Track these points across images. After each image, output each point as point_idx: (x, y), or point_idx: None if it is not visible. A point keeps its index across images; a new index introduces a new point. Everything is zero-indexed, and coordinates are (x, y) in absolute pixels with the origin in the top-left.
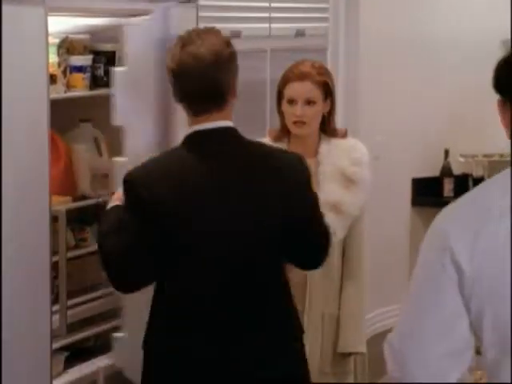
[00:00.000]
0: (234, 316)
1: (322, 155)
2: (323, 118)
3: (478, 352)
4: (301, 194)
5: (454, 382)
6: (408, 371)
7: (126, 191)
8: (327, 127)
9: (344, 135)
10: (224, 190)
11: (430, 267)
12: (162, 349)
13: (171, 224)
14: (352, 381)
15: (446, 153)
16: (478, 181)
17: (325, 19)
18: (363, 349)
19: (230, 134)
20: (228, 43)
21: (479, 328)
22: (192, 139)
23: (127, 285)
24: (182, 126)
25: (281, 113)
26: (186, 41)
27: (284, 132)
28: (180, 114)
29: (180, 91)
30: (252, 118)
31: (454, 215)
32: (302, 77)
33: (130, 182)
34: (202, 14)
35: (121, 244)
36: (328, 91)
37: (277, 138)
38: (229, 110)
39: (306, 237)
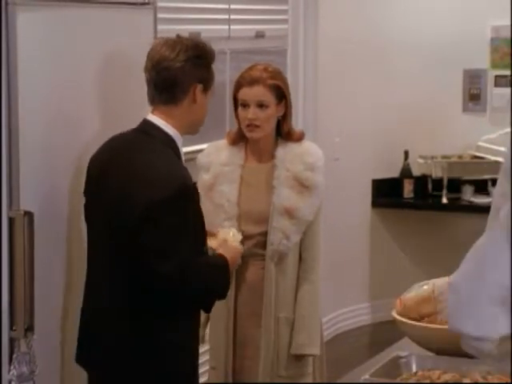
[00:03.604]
0: None
1: (278, 159)
2: (278, 121)
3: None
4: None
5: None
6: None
7: None
8: (282, 130)
9: (300, 138)
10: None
11: None
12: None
13: None
14: (310, 382)
15: (406, 154)
16: (437, 182)
17: (284, 21)
18: (316, 351)
19: (143, 130)
20: (195, 50)
21: None
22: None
23: None
24: None
25: (237, 117)
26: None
27: (241, 136)
28: None
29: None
30: (211, 120)
31: None
32: (253, 81)
33: None
34: (160, 15)
35: None
36: (281, 94)
37: (234, 142)
38: (171, 110)
39: None
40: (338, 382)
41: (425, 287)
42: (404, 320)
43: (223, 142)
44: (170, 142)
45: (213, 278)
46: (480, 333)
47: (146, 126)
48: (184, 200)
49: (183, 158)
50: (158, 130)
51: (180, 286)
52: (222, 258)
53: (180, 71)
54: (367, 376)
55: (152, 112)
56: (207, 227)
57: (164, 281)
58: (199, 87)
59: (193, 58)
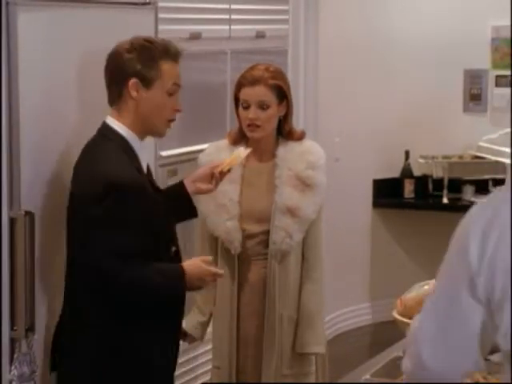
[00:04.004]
0: None
1: (279, 158)
2: (279, 121)
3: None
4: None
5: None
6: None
7: None
8: (283, 130)
9: (301, 137)
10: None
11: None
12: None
13: None
14: (313, 381)
15: (407, 154)
16: (437, 182)
17: (285, 21)
18: (320, 349)
19: (99, 132)
20: (132, 43)
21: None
22: None
23: None
24: None
25: (238, 116)
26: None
27: (242, 135)
28: None
29: None
30: (212, 120)
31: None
32: (254, 81)
33: None
34: (161, 15)
35: None
36: (282, 94)
37: (235, 142)
38: (118, 108)
39: None
40: (339, 381)
41: (425, 287)
42: (405, 320)
43: (224, 142)
44: (123, 144)
45: (144, 279)
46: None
47: (103, 128)
48: (111, 197)
49: (142, 159)
50: (111, 131)
51: (98, 278)
52: (177, 267)
53: (117, 66)
54: (368, 376)
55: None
56: (209, 226)
57: (81, 270)
58: (134, 81)
59: (132, 52)
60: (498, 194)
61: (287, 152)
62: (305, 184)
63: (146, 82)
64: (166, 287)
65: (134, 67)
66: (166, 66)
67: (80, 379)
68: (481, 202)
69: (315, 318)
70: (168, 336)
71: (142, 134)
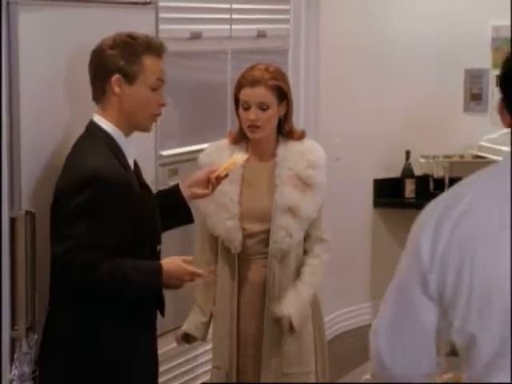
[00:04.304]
0: None
1: (279, 158)
2: (280, 120)
3: (453, 353)
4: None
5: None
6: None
7: None
8: (284, 129)
9: (301, 136)
10: None
11: (404, 267)
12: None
13: None
14: (313, 380)
15: (407, 154)
16: (438, 181)
17: (286, 20)
18: (289, 312)
19: (87, 129)
20: (115, 40)
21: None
22: None
23: None
24: None
25: (238, 116)
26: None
27: (242, 135)
28: None
29: None
30: (213, 120)
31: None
32: (255, 82)
33: None
34: (161, 15)
35: None
36: (283, 94)
37: (235, 141)
38: (103, 105)
39: None
40: (339, 382)
41: None
42: None
43: (224, 142)
44: (109, 141)
45: (120, 273)
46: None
47: (90, 125)
48: (92, 188)
49: (128, 156)
50: (97, 129)
51: (70, 271)
52: (155, 264)
53: (99, 63)
54: (368, 376)
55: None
56: (210, 226)
57: (56, 262)
58: (116, 77)
59: (114, 48)
60: (450, 191)
61: (287, 151)
62: (305, 184)
63: (129, 78)
64: (143, 283)
65: (116, 63)
66: (148, 61)
67: (55, 379)
68: (436, 199)
69: (301, 286)
70: (144, 335)
71: (127, 130)
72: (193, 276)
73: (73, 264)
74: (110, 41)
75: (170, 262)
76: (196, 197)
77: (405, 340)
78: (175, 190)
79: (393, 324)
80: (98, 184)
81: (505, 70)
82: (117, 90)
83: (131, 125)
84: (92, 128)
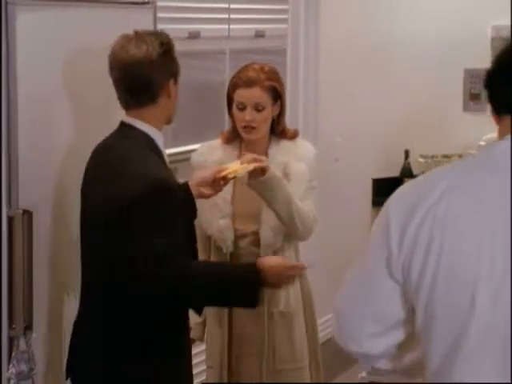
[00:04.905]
0: None
1: (271, 157)
2: (273, 120)
3: None
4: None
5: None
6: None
7: None
8: (276, 129)
9: (294, 136)
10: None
11: (372, 244)
12: None
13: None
14: (308, 377)
15: (406, 153)
16: None
17: (284, 20)
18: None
19: (121, 132)
20: (162, 45)
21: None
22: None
23: None
24: None
25: (231, 116)
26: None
27: (235, 135)
28: None
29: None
30: (210, 119)
31: (399, 193)
32: (251, 83)
33: None
34: (160, 15)
35: None
36: (277, 95)
37: (228, 141)
38: (148, 109)
39: None
40: (335, 382)
41: None
42: None
43: (217, 142)
44: (148, 143)
45: (212, 269)
46: (362, 350)
47: (124, 128)
48: (156, 198)
49: (166, 157)
50: (136, 131)
51: (157, 285)
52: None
53: (153, 71)
54: (364, 374)
55: (127, 113)
56: (203, 225)
57: (141, 281)
58: (172, 81)
59: (162, 55)
60: (418, 181)
61: (279, 151)
62: (285, 174)
63: (176, 79)
64: (240, 277)
65: (169, 68)
66: (177, 60)
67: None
68: (408, 184)
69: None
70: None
71: (161, 128)
72: (295, 270)
73: (166, 276)
74: (157, 46)
75: (268, 259)
76: (202, 196)
77: (365, 304)
78: (184, 187)
79: (353, 295)
80: (169, 193)
81: (491, 69)
82: (173, 92)
83: (167, 123)
84: (128, 131)
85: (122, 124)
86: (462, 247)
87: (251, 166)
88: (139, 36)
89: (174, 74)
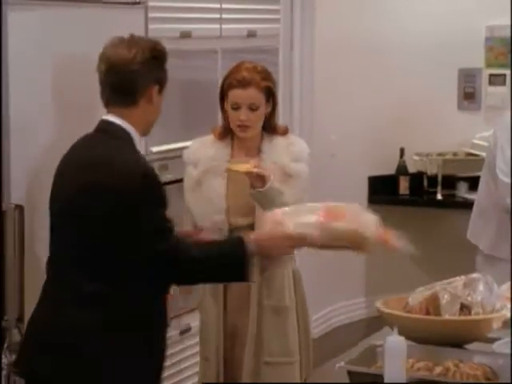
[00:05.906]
0: None
1: (264, 154)
2: (265, 117)
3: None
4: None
5: None
6: None
7: None
8: (269, 125)
9: (285, 132)
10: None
11: None
12: None
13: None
14: (297, 373)
15: (402, 151)
16: (432, 179)
17: (276, 20)
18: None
19: (99, 127)
20: (153, 51)
21: None
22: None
23: None
24: None
25: (224, 112)
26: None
27: (227, 131)
28: None
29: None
30: (202, 118)
31: None
32: (246, 84)
33: None
34: (151, 14)
35: None
36: (270, 94)
37: (220, 137)
38: (129, 109)
39: None
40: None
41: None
42: (387, 311)
43: (209, 138)
44: (128, 139)
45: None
46: None
47: (104, 124)
48: (149, 186)
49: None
50: (115, 126)
51: (172, 265)
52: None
53: (138, 73)
54: (342, 363)
55: (108, 111)
56: (197, 220)
57: (164, 257)
58: (156, 88)
59: (150, 60)
60: None
61: (272, 147)
62: (287, 174)
63: (162, 88)
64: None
65: (155, 74)
66: (166, 70)
67: None
68: None
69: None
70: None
71: (140, 134)
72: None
73: (179, 256)
74: (147, 51)
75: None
76: None
77: None
78: None
79: None
80: (155, 179)
81: None
82: (155, 99)
83: (145, 131)
84: (108, 127)
85: (103, 121)
86: None
87: (249, 167)
88: (133, 39)
89: (159, 81)
